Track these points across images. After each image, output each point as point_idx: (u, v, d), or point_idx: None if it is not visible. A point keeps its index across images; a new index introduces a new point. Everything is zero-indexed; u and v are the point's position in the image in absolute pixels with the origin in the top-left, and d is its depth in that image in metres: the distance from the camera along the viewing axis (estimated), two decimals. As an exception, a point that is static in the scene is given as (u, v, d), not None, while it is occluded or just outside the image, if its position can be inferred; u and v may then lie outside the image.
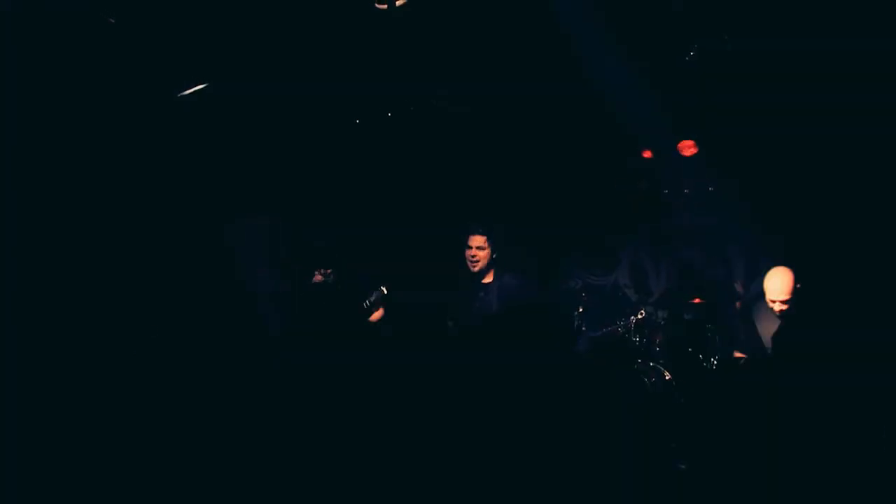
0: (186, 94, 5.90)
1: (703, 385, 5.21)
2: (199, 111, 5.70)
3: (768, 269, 7.49)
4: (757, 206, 7.67)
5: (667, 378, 5.55)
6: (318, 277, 6.86)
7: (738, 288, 7.19)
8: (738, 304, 6.88)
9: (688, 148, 6.94)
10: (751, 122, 6.18)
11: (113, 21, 5.09)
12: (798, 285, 4.89)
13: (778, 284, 4.88)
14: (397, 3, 5.31)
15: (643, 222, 8.30)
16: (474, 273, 5.46)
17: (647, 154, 7.19)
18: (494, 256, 5.50)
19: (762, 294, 5.06)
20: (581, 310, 7.69)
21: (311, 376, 4.66)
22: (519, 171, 7.84)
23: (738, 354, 5.27)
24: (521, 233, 7.76)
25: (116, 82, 4.99)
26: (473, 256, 5.39)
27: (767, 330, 4.95)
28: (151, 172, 5.26)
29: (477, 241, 5.44)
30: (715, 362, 5.98)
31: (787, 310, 4.74)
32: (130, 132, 5.11)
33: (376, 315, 6.73)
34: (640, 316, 7.16)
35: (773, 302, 4.86)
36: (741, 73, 5.50)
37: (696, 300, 5.83)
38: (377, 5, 5.34)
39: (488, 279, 5.52)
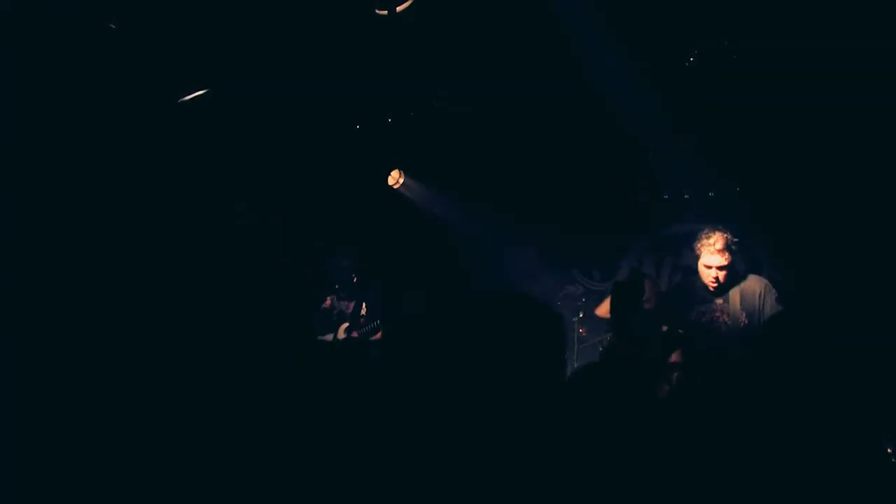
0: (188, 100, 5.92)
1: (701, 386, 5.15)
2: (202, 114, 5.71)
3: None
4: (758, 210, 7.67)
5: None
6: (327, 302, 6.85)
7: None
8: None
9: None
10: (751, 122, 6.17)
11: (114, 27, 5.11)
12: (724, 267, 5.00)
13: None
14: (398, 10, 5.33)
15: (644, 227, 8.30)
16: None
17: None
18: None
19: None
20: (581, 315, 7.70)
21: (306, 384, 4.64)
22: (520, 174, 7.85)
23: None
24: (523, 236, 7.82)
25: (117, 82, 5.00)
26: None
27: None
28: (151, 173, 5.26)
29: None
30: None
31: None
32: (131, 133, 5.11)
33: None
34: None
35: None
36: (741, 73, 5.50)
37: None
38: (377, 11, 5.35)
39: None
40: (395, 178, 8.07)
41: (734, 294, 5.08)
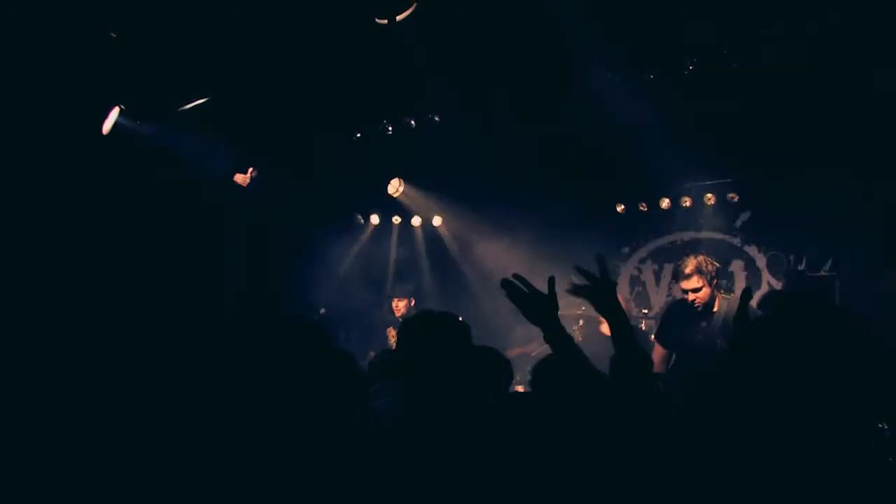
0: (187, 108, 5.95)
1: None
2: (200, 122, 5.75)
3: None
4: (757, 216, 7.68)
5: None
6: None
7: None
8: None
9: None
10: (751, 127, 6.17)
11: (114, 35, 5.13)
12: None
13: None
14: (398, 19, 5.34)
15: (643, 235, 8.31)
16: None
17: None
18: None
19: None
20: (581, 323, 7.68)
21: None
22: (519, 182, 7.87)
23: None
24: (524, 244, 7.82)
25: (117, 89, 5.03)
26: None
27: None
28: (152, 180, 5.28)
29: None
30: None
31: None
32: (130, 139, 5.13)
33: None
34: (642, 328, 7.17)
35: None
36: (740, 77, 5.51)
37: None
38: (378, 20, 5.37)
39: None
40: (395, 187, 8.09)
41: (718, 318, 5.25)
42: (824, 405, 1.95)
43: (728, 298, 5.34)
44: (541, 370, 3.56)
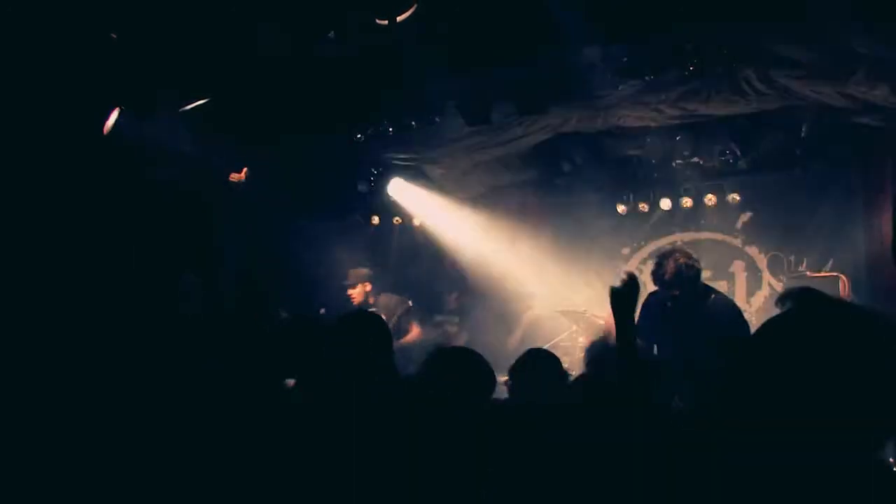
0: (188, 109, 5.95)
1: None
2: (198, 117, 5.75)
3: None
4: (757, 218, 7.68)
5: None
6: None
7: None
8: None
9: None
10: (749, 129, 6.17)
11: (115, 36, 5.13)
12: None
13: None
14: (398, 19, 5.34)
15: (644, 235, 8.30)
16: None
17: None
18: None
19: None
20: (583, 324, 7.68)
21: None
22: (518, 184, 7.88)
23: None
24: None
25: (116, 91, 5.02)
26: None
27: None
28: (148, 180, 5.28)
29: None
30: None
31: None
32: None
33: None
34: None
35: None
36: (738, 78, 5.51)
37: None
38: (378, 21, 5.37)
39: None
40: (395, 187, 8.10)
41: (703, 318, 5.04)
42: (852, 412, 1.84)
43: (716, 294, 5.24)
44: (518, 372, 3.54)
